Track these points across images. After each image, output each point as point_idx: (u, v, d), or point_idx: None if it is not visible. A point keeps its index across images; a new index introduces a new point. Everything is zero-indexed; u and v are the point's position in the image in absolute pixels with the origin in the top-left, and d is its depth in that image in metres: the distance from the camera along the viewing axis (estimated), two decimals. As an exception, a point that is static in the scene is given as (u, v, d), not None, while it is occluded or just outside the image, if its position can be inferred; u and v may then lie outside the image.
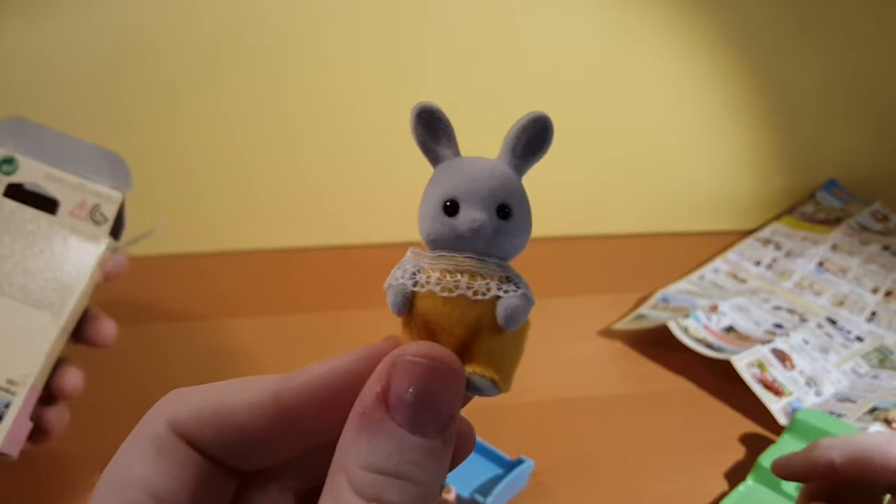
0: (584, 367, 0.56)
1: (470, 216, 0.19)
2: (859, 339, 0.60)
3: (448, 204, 0.19)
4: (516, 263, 0.20)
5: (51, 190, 0.41)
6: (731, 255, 0.72)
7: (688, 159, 0.76)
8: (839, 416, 0.49)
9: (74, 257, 0.40)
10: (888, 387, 0.53)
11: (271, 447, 0.19)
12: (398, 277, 0.19)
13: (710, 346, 0.55)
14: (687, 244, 0.75)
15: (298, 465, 0.20)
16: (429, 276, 0.19)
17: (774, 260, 0.70)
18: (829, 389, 0.53)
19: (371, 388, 0.17)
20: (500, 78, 0.67)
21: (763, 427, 0.50)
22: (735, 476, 0.46)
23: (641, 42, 0.69)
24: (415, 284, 0.19)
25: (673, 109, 0.73)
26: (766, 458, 0.44)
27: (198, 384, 0.19)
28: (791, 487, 0.43)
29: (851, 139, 0.79)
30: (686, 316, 0.58)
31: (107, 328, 0.41)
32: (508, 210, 0.19)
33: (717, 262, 0.71)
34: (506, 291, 0.19)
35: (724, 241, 0.74)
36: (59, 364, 0.39)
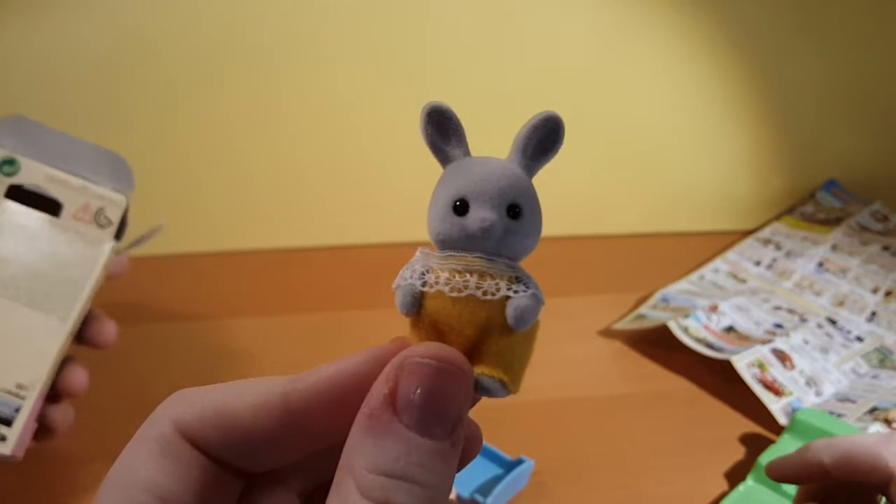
0: (584, 367, 0.56)
1: (480, 216, 0.18)
2: (859, 339, 0.60)
3: (458, 203, 0.19)
4: (525, 264, 0.20)
5: (53, 192, 0.40)
6: (731, 255, 0.72)
7: (688, 159, 0.76)
8: (839, 416, 0.49)
9: (80, 260, 0.40)
10: (888, 387, 0.53)
11: (278, 449, 0.19)
12: (407, 278, 0.19)
13: (710, 346, 0.55)
14: (687, 244, 0.75)
15: (304, 466, 0.20)
16: (438, 277, 0.19)
17: (774, 260, 0.70)
18: (829, 389, 0.53)
19: (379, 389, 0.17)
20: (501, 78, 0.67)
21: (763, 427, 0.50)
22: (735, 476, 0.46)
23: (641, 42, 0.69)
24: (424, 284, 0.19)
25: (673, 109, 0.73)
26: (766, 458, 0.44)
27: (199, 384, 0.19)
28: (791, 488, 0.43)
29: (851, 139, 0.79)
30: (686, 316, 0.58)
31: (108, 329, 0.41)
32: (519, 210, 0.19)
33: (717, 262, 0.71)
34: (515, 292, 0.19)
35: (724, 241, 0.74)
36: (63, 363, 0.39)
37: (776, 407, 0.50)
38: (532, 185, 0.20)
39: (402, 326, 0.20)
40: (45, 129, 0.41)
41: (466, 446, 0.19)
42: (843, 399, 0.52)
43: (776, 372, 0.53)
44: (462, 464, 0.19)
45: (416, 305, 0.19)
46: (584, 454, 0.47)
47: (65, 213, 0.40)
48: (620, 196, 0.76)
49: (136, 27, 0.59)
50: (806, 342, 0.57)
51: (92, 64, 0.59)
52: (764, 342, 0.55)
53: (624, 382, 0.55)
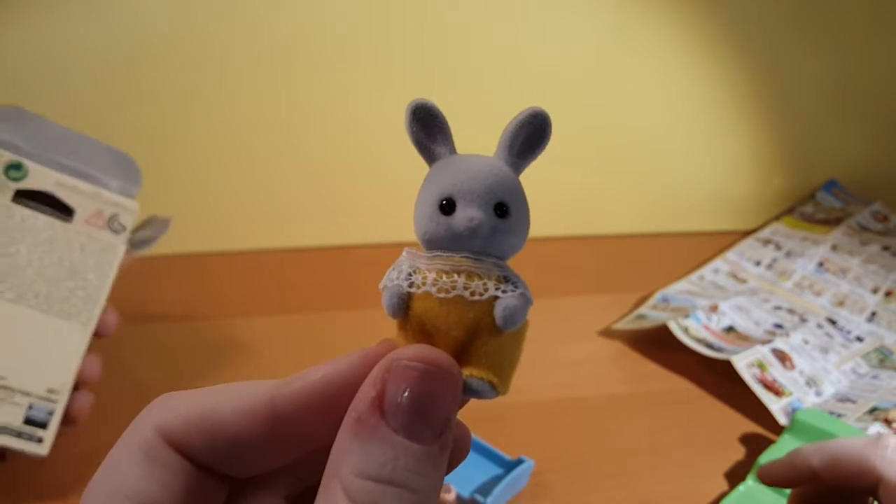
0: (585, 367, 0.56)
1: (467, 214, 0.18)
2: (859, 339, 0.60)
3: (444, 202, 0.18)
4: (516, 263, 0.19)
5: (64, 197, 0.40)
6: (731, 255, 0.72)
7: (688, 159, 0.76)
8: (839, 416, 0.49)
9: (96, 266, 0.40)
10: (888, 387, 0.53)
11: (264, 455, 0.19)
12: (393, 279, 0.19)
13: (710, 346, 0.55)
14: (687, 244, 0.75)
15: (290, 469, 0.20)
16: (425, 277, 0.18)
17: (774, 260, 0.70)
18: (829, 389, 0.53)
19: (366, 393, 0.17)
20: (501, 78, 0.67)
21: (763, 427, 0.50)
22: (735, 476, 0.46)
23: (642, 42, 0.69)
24: (410, 285, 0.19)
25: (673, 109, 0.73)
26: (766, 459, 0.44)
27: (199, 383, 0.19)
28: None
29: (851, 139, 0.79)
30: (686, 316, 0.58)
31: (110, 318, 0.42)
32: (506, 208, 0.19)
33: (717, 263, 0.71)
34: (504, 291, 0.18)
35: (724, 241, 0.74)
36: None
37: (776, 407, 0.50)
38: (519, 183, 0.19)
39: (395, 327, 0.20)
40: (46, 123, 0.41)
41: (455, 448, 0.18)
42: (843, 399, 0.52)
43: (776, 372, 0.53)
44: (451, 466, 0.19)
45: (404, 307, 0.19)
46: (584, 454, 0.47)
47: (77, 218, 0.40)
48: (620, 196, 0.76)
49: (136, 27, 0.59)
50: (806, 342, 0.57)
51: (92, 64, 0.59)
52: (764, 342, 0.55)
53: (624, 382, 0.55)
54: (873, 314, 0.62)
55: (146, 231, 0.44)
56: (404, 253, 0.20)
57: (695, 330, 0.57)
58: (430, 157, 0.20)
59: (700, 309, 0.59)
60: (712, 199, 0.78)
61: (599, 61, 0.69)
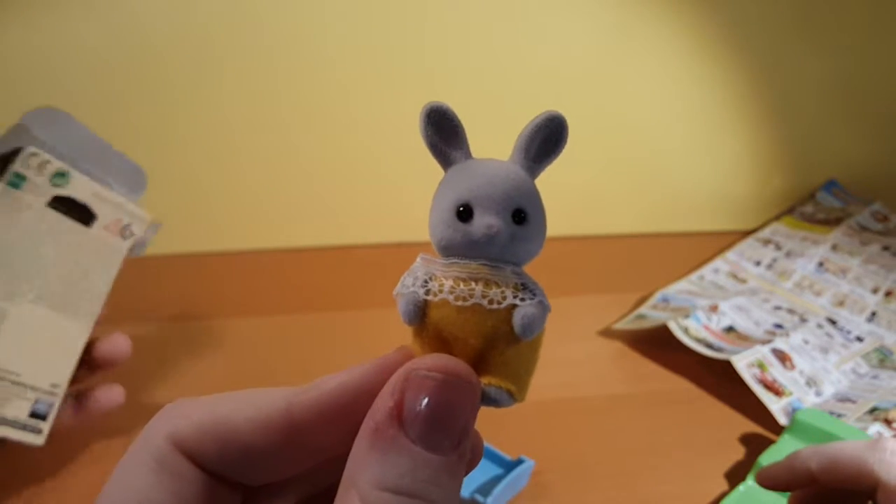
0: (585, 367, 0.56)
1: (485, 222, 0.18)
2: (859, 339, 0.60)
3: (462, 209, 0.18)
4: (527, 266, 0.19)
5: (95, 207, 0.42)
6: (731, 255, 0.72)
7: (688, 159, 0.76)
8: (839, 416, 0.49)
9: (102, 268, 0.42)
10: (888, 387, 0.53)
11: (278, 463, 0.19)
12: (409, 285, 0.19)
13: (710, 346, 0.55)
14: (687, 244, 0.75)
15: (303, 476, 0.20)
16: (441, 285, 0.18)
17: (774, 260, 0.70)
18: (829, 389, 0.53)
19: (384, 402, 0.17)
20: (501, 79, 0.67)
21: (763, 427, 0.50)
22: (735, 476, 0.46)
23: (642, 42, 0.69)
24: (427, 293, 0.18)
25: (673, 109, 0.73)
26: (767, 459, 0.44)
27: (199, 383, 0.19)
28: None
29: (851, 139, 0.79)
30: (686, 316, 0.58)
31: (122, 344, 0.43)
32: (524, 215, 0.18)
33: (718, 262, 0.71)
34: (522, 299, 0.18)
35: (724, 241, 0.74)
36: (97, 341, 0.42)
37: (776, 407, 0.50)
38: (536, 188, 0.19)
39: (402, 327, 0.20)
40: (77, 126, 0.43)
41: (469, 456, 0.18)
42: (843, 399, 0.52)
43: (776, 372, 0.53)
44: (465, 472, 0.19)
45: (420, 314, 0.18)
46: (584, 454, 0.47)
47: (97, 223, 0.42)
48: (621, 196, 0.76)
49: (136, 27, 0.59)
50: (806, 342, 0.57)
51: (92, 64, 0.59)
52: (764, 342, 0.55)
53: (624, 382, 0.55)
54: (873, 314, 0.62)
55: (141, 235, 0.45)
56: (419, 259, 0.19)
57: (695, 330, 0.57)
58: (445, 161, 0.19)
59: (700, 309, 0.59)
60: (712, 199, 0.78)
61: (600, 61, 0.69)
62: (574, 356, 0.57)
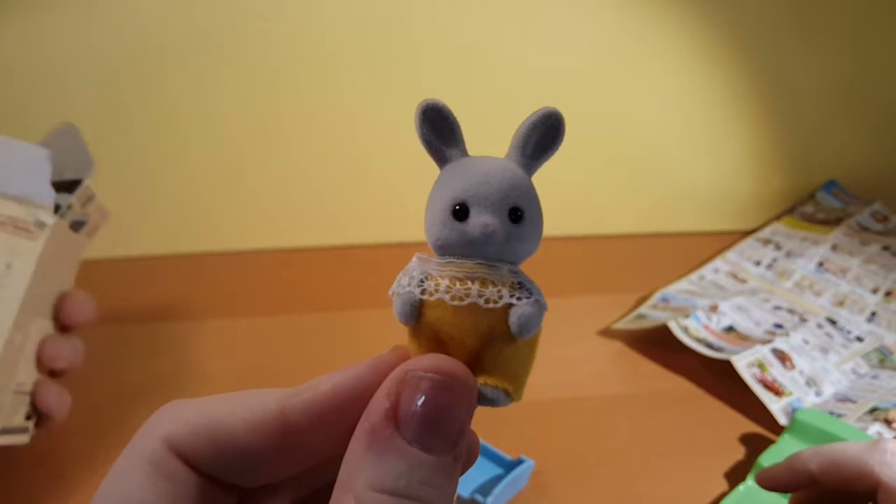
0: (585, 367, 0.56)
1: (481, 221, 0.18)
2: (859, 339, 0.60)
3: (457, 208, 0.18)
4: (523, 264, 0.19)
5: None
6: (731, 255, 0.72)
7: (688, 159, 0.76)
8: (839, 416, 0.49)
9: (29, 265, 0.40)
10: (888, 387, 0.53)
11: (274, 465, 0.18)
12: (405, 285, 0.18)
13: (710, 345, 0.55)
14: (687, 244, 0.75)
15: (299, 476, 0.20)
16: (437, 284, 0.18)
17: (774, 260, 0.70)
18: (829, 389, 0.53)
19: (379, 403, 0.17)
20: (501, 78, 0.67)
21: (763, 427, 0.50)
22: (735, 476, 0.46)
23: (642, 42, 0.69)
24: (423, 292, 0.18)
25: (673, 109, 0.73)
26: (767, 459, 0.44)
27: (199, 384, 0.19)
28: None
29: (852, 139, 0.79)
30: (686, 316, 0.58)
31: (83, 307, 0.41)
32: (521, 213, 0.18)
33: (718, 262, 0.71)
34: (518, 298, 0.18)
35: (724, 241, 0.74)
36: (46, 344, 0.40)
37: (776, 407, 0.50)
38: (533, 186, 0.19)
39: (401, 327, 0.20)
40: None
41: (465, 456, 0.18)
42: (843, 399, 0.52)
43: (776, 372, 0.53)
44: (460, 473, 0.19)
45: (416, 314, 0.18)
46: (584, 454, 0.47)
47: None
48: (621, 196, 0.76)
49: (136, 27, 0.59)
50: (806, 342, 0.57)
51: (91, 64, 0.59)
52: (764, 342, 0.55)
53: (624, 382, 0.55)
54: (873, 314, 0.62)
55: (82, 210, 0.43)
56: (415, 258, 0.19)
57: (695, 330, 0.57)
58: (440, 158, 0.19)
59: (700, 309, 0.59)
60: (712, 199, 0.78)
61: (601, 61, 0.69)
62: (574, 356, 0.57)
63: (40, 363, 0.39)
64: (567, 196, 0.73)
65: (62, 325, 0.41)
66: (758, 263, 0.70)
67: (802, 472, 0.32)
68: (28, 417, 0.39)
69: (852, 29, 0.73)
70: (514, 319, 0.18)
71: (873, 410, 0.49)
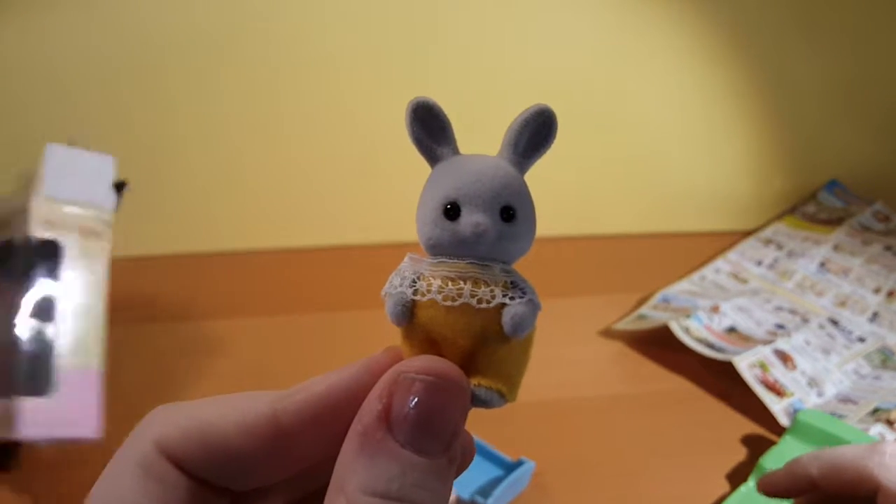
0: (585, 367, 0.56)
1: (473, 220, 0.18)
2: (861, 339, 0.59)
3: (449, 207, 0.18)
4: (517, 263, 0.19)
5: None
6: (732, 255, 0.72)
7: (689, 159, 0.76)
8: (841, 416, 0.49)
9: None
10: (890, 387, 0.52)
11: (266, 469, 0.18)
12: (396, 285, 0.18)
13: (711, 346, 0.55)
14: (688, 244, 0.75)
15: (291, 480, 0.20)
16: (429, 284, 0.18)
17: (776, 260, 0.70)
18: (830, 390, 0.53)
19: (371, 405, 0.17)
20: (501, 78, 0.67)
21: (765, 428, 0.50)
22: (736, 477, 0.46)
23: (643, 42, 0.69)
24: (415, 293, 0.18)
25: (674, 109, 0.73)
26: (768, 460, 0.44)
27: (198, 384, 0.19)
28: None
29: (853, 139, 0.79)
30: (687, 316, 0.57)
31: None
32: (513, 212, 0.18)
33: (719, 263, 0.70)
34: (511, 298, 0.18)
35: (726, 241, 0.74)
36: None
37: (778, 408, 0.50)
38: (525, 184, 0.19)
39: (397, 328, 0.20)
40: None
41: (460, 458, 0.18)
42: (845, 400, 0.52)
43: (778, 372, 0.52)
44: (455, 475, 0.18)
45: (408, 315, 0.18)
46: (585, 455, 0.47)
47: None
48: (622, 196, 0.76)
49: (136, 27, 0.59)
50: (807, 343, 0.57)
51: (92, 64, 0.59)
52: (765, 343, 0.55)
53: (624, 383, 0.55)
54: (875, 314, 0.62)
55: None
56: (407, 258, 0.19)
57: (696, 330, 0.56)
58: (431, 157, 0.19)
59: (701, 309, 0.59)
60: (713, 199, 0.78)
61: (601, 61, 0.68)
62: (574, 357, 0.57)
63: None
64: (568, 196, 0.73)
65: None
66: (759, 264, 0.70)
67: (803, 476, 0.32)
68: None
69: (853, 28, 0.73)
70: (507, 319, 0.18)
71: (875, 411, 0.49)
